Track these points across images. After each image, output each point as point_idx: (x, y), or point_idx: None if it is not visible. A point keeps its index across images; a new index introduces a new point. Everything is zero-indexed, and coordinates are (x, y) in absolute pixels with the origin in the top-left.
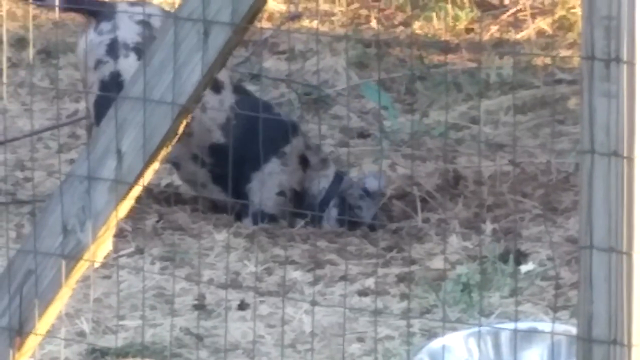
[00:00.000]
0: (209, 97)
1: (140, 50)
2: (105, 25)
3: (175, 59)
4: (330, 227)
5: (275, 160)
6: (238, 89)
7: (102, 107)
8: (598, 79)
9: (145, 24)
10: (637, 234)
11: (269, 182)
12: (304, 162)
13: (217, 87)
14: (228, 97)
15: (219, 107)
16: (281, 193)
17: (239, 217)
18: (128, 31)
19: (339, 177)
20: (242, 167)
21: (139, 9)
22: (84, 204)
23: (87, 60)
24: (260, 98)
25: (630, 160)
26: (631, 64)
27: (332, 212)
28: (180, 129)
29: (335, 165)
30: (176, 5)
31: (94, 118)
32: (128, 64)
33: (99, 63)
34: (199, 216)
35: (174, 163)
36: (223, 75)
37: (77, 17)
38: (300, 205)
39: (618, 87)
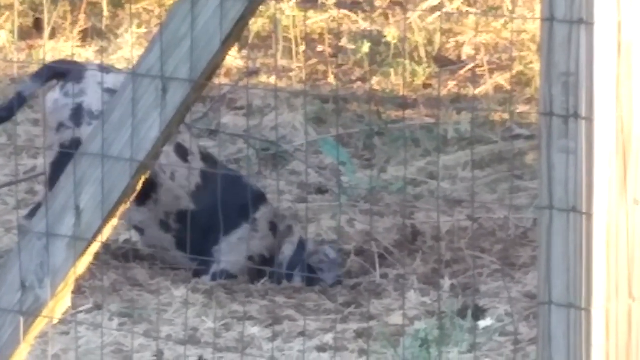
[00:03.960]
0: (178, 165)
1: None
2: (72, 87)
3: (133, 115)
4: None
5: (245, 225)
6: (206, 158)
7: (58, 170)
8: (556, 135)
9: (111, 92)
10: (595, 289)
11: (239, 247)
12: (274, 228)
13: (184, 155)
14: (196, 165)
15: (187, 175)
16: (250, 258)
17: (197, 274)
18: (94, 98)
19: (302, 243)
20: (210, 232)
21: (107, 77)
22: (42, 261)
23: (49, 119)
24: (229, 169)
25: (589, 216)
26: (589, 120)
27: (297, 279)
28: (139, 185)
29: (299, 232)
30: (134, 62)
31: (49, 178)
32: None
33: (61, 126)
34: (157, 272)
35: (138, 228)
36: (190, 143)
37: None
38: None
39: (577, 143)
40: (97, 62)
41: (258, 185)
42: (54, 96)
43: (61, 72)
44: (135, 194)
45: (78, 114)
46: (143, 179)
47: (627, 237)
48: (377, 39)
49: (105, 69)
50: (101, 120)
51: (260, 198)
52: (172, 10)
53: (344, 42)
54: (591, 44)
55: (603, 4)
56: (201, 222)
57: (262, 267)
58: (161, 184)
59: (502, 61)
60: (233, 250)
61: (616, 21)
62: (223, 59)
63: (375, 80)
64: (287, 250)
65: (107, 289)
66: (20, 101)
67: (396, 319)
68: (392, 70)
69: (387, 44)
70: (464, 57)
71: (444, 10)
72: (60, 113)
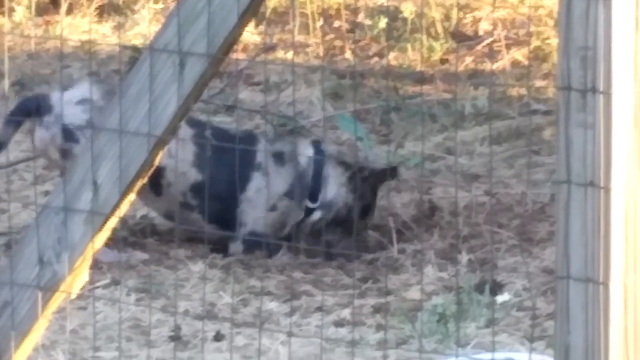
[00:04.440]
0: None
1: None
2: (48, 118)
3: (151, 90)
4: (325, 203)
5: (256, 174)
6: (191, 121)
7: None
8: (574, 110)
9: (84, 101)
10: (613, 264)
11: (258, 200)
12: (279, 157)
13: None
14: (187, 132)
15: (182, 146)
16: (273, 208)
17: (226, 245)
18: (73, 115)
19: (316, 143)
20: (228, 196)
21: (73, 91)
22: (60, 236)
23: (49, 155)
24: (211, 123)
25: (607, 190)
26: (607, 94)
27: (330, 177)
28: (157, 161)
29: (307, 135)
30: (151, 38)
31: None
32: None
33: (65, 152)
34: (174, 247)
35: (168, 216)
36: None
37: (51, 51)
38: (300, 199)
39: (594, 118)
40: (56, 89)
41: (240, 128)
42: (39, 135)
43: (30, 110)
44: (152, 169)
45: (69, 134)
46: (160, 154)
47: None
48: (394, 15)
49: (63, 87)
50: (118, 95)
51: (250, 138)
52: None
53: (360, 17)
54: (609, 18)
55: None
56: (215, 190)
57: (280, 242)
58: (164, 166)
59: (519, 36)
60: (254, 205)
61: None
62: (240, 34)
63: (392, 55)
64: (304, 157)
65: (124, 264)
66: None
67: (414, 294)
68: (409, 45)
69: (404, 20)
70: (481, 33)
71: None
72: (53, 144)
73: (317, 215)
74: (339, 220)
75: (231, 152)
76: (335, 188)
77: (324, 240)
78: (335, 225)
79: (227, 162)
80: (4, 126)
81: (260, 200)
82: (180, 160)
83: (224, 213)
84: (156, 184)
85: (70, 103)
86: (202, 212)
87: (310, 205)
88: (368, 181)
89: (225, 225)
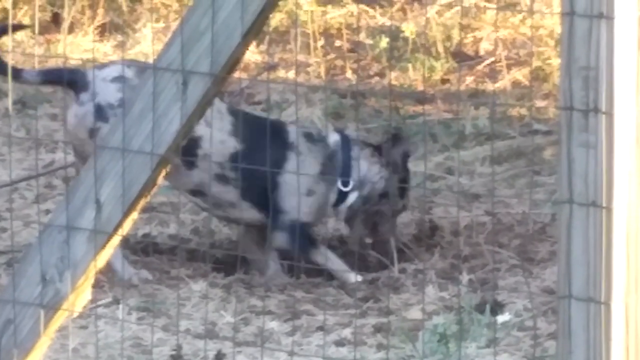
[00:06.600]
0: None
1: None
2: (84, 96)
3: (154, 109)
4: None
5: (290, 154)
6: (232, 111)
7: None
8: (576, 130)
9: (119, 79)
10: (615, 284)
11: (295, 184)
12: (310, 137)
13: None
14: (221, 105)
15: (219, 116)
16: (309, 192)
17: (225, 267)
18: (107, 93)
19: (344, 136)
20: (265, 174)
21: (108, 69)
22: (62, 254)
23: (78, 133)
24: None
25: (609, 210)
26: (610, 114)
27: (359, 157)
28: (160, 179)
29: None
30: (153, 57)
31: None
32: None
33: (93, 131)
34: (176, 266)
35: (197, 192)
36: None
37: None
38: (332, 181)
39: (597, 138)
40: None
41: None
42: (73, 111)
43: (62, 79)
44: (155, 188)
45: (101, 112)
46: (164, 172)
47: None
48: (395, 34)
49: (102, 66)
50: (122, 114)
51: (279, 125)
52: (193, 4)
53: (362, 37)
54: (611, 38)
55: None
56: (253, 168)
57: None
58: (201, 135)
59: (520, 56)
60: (292, 190)
61: (636, 16)
62: (243, 53)
63: (393, 75)
64: (330, 151)
65: (126, 282)
66: (17, 76)
67: (414, 313)
68: (410, 65)
69: (405, 39)
70: (482, 53)
71: (462, 5)
72: (84, 121)
73: (352, 197)
74: (379, 196)
75: (265, 136)
76: (365, 165)
77: (362, 223)
78: (375, 204)
79: (262, 142)
80: (37, 73)
81: (298, 183)
82: (218, 129)
83: (263, 192)
84: (190, 157)
85: (105, 81)
86: (239, 187)
87: (344, 189)
88: (395, 150)
89: (259, 204)
